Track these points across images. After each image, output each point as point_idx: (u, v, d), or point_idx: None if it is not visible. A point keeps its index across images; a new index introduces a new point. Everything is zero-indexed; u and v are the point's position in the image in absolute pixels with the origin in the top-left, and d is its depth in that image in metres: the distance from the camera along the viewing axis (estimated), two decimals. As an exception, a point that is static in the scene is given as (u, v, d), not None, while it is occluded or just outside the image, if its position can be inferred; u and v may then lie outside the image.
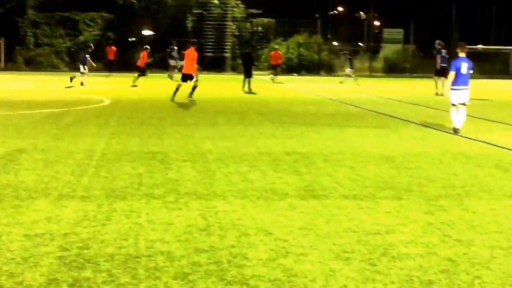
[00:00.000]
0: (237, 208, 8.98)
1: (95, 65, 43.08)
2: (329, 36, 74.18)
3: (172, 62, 47.65)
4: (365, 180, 11.14)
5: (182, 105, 25.54)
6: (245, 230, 7.87)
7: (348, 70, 47.07)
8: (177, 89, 27.82)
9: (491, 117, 22.68)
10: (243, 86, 35.63)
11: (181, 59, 44.29)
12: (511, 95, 35.44)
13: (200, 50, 38.22)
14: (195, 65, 28.53)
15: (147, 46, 43.57)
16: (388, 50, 68.29)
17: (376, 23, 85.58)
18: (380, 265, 6.68)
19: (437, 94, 35.51)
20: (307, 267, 6.58)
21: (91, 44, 42.66)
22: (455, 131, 18.29)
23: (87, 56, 38.61)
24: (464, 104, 18.60)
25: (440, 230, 8.04)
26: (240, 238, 7.54)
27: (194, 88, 27.79)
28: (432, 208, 9.17)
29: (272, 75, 47.91)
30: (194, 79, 28.11)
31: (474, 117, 22.52)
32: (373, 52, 70.19)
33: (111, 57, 52.95)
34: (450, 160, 13.43)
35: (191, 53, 28.50)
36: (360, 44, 76.79)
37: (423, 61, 67.62)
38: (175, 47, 48.53)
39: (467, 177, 11.57)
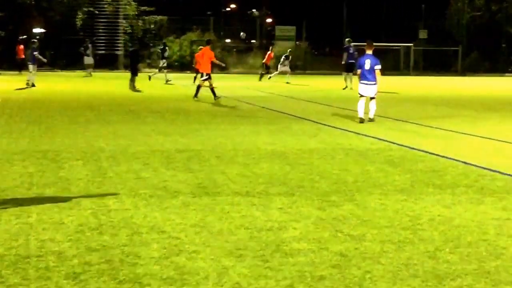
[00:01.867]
0: (130, 207, 8.86)
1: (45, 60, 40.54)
2: (221, 33, 74.23)
3: (160, 63, 46.57)
4: (258, 177, 11.16)
5: (75, 103, 25.11)
6: (137, 229, 7.76)
7: (284, 68, 47.00)
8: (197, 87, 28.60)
9: (382, 113, 23.09)
10: (131, 84, 35.30)
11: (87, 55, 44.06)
12: (404, 91, 36.18)
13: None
14: (210, 64, 28.67)
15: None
16: (280, 47, 68.79)
17: (269, 20, 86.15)
18: (272, 261, 6.68)
19: (344, 88, 37.74)
20: (200, 265, 6.52)
21: (35, 40, 40.06)
22: (360, 121, 19.81)
23: (35, 53, 36.24)
24: (373, 98, 20.28)
25: (332, 225, 8.10)
26: (133, 237, 7.43)
27: (211, 89, 28.02)
28: (324, 203, 9.25)
29: (266, 74, 48.16)
30: (204, 77, 28.41)
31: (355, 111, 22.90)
32: (266, 49, 70.57)
33: (21, 55, 51.01)
34: (342, 156, 13.59)
35: (206, 52, 28.76)
36: (253, 41, 77.14)
37: (316, 58, 68.53)
38: (89, 45, 48.09)
39: (358, 173, 11.73)
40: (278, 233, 7.71)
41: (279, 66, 47.30)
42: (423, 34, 67.83)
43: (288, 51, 49.95)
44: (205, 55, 28.87)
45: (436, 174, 11.70)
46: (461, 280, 6.23)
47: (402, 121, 20.93)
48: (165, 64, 44.01)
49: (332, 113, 22.94)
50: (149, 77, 43.09)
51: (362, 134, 17.16)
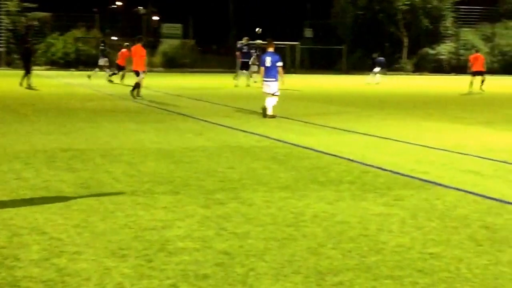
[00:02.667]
0: (9, 208, 8.63)
1: None
2: (107, 30, 73.33)
3: (102, 61, 45.26)
4: (143, 176, 11.06)
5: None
6: (17, 230, 7.57)
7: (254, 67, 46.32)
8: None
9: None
10: (22, 81, 34.50)
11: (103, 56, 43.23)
12: (290, 89, 36.56)
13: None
14: (144, 62, 28.86)
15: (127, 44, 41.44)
16: (167, 45, 68.54)
17: (155, 18, 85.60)
18: (156, 261, 6.63)
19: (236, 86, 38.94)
20: (82, 266, 6.41)
21: None
22: (266, 115, 20.84)
23: None
24: (273, 94, 21.13)
25: (217, 223, 8.10)
26: (12, 239, 7.24)
27: (136, 85, 28.24)
28: (209, 202, 9.24)
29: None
30: (141, 76, 28.49)
31: (248, 110, 23.03)
32: (152, 47, 70.17)
33: None
34: (228, 154, 13.62)
35: (138, 50, 28.79)
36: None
37: (203, 56, 68.50)
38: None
39: (244, 170, 11.77)
40: (163, 232, 7.66)
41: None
42: (308, 33, 68.75)
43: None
44: (137, 53, 28.95)
45: (320, 171, 11.87)
46: (342, 275, 6.33)
47: (288, 118, 21.14)
48: (107, 63, 43.52)
49: (219, 111, 22.97)
50: (89, 76, 42.53)
51: (248, 132, 17.24)
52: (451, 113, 24.12)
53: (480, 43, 67.37)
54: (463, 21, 70.58)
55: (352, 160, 13.05)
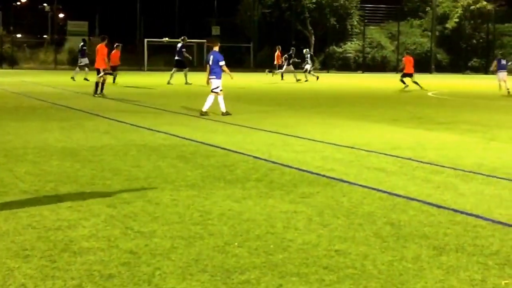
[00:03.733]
0: None
1: None
2: (12, 28, 71.81)
3: (82, 61, 44.03)
4: (48, 175, 10.86)
5: None
6: None
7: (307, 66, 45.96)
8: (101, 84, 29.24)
9: (176, 108, 23.17)
10: None
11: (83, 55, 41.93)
12: (196, 86, 36.50)
13: None
14: (105, 60, 29.82)
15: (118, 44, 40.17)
16: (73, 42, 67.52)
17: (61, 15, 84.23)
18: (60, 261, 6.50)
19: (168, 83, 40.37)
20: (-17, 269, 6.24)
21: None
22: (222, 113, 21.53)
23: None
24: (212, 91, 21.77)
25: (122, 223, 8.01)
26: None
27: (97, 84, 29.08)
28: (115, 201, 9.12)
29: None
30: (100, 74, 29.14)
31: (155, 108, 22.89)
32: (58, 44, 69.10)
33: None
34: (134, 152, 13.49)
35: (100, 49, 29.74)
36: (45, 36, 75.24)
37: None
38: None
39: (150, 169, 11.67)
40: (67, 232, 7.52)
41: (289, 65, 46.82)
42: (215, 30, 68.73)
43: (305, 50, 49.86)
44: (99, 51, 29.83)
45: (227, 169, 11.86)
46: (249, 273, 6.33)
47: (196, 116, 21.09)
48: (87, 62, 42.70)
49: (126, 109, 22.75)
50: (72, 78, 41.59)
51: (155, 130, 17.12)
52: (358, 111, 24.47)
53: (386, 41, 68.63)
54: (369, 19, 71.71)
55: (259, 158, 13.10)
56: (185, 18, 70.60)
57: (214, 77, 21.79)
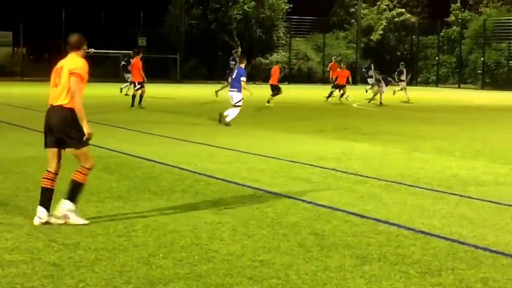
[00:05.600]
0: None
1: None
2: None
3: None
4: (-31, 187, 10.67)
5: None
6: None
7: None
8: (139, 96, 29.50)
9: (101, 119, 22.99)
10: None
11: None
12: (119, 98, 36.22)
13: None
14: (141, 73, 29.83)
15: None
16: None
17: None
18: (-19, 275, 6.41)
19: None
20: None
21: None
22: (226, 123, 22.17)
23: None
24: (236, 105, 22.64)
25: (46, 235, 7.92)
26: None
27: (133, 96, 29.62)
28: (38, 213, 9.00)
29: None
30: (137, 87, 29.58)
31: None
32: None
33: None
34: (59, 164, 13.32)
35: (136, 62, 30.23)
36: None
37: (35, 65, 66.77)
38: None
39: (75, 181, 11.54)
40: (-11, 246, 7.41)
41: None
42: (142, 41, 68.34)
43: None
44: (134, 65, 30.35)
45: (152, 180, 11.82)
46: (173, 284, 6.33)
47: (121, 128, 20.96)
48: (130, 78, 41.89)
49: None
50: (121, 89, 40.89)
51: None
52: (284, 122, 24.64)
53: (311, 53, 69.18)
54: (295, 31, 72.17)
55: (184, 169, 13.08)
56: (110, 29, 70.00)
57: (236, 90, 22.79)
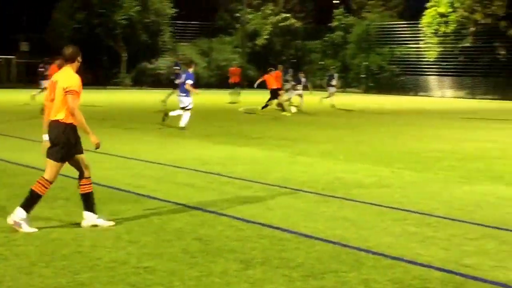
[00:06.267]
0: None
1: None
2: None
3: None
4: None
5: None
6: None
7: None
8: None
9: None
10: None
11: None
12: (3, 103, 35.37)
13: None
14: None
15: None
16: None
17: None
18: None
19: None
20: None
21: None
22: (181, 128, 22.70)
23: None
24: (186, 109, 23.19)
25: None
26: None
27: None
28: None
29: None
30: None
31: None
32: None
33: None
34: None
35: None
36: None
37: None
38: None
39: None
40: None
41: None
42: (24, 47, 66.92)
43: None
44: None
45: (34, 187, 11.54)
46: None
47: (3, 135, 20.44)
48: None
49: None
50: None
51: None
52: (171, 127, 24.50)
53: (197, 58, 69.11)
54: (180, 35, 72.01)
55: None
56: None
57: (184, 94, 23.27)
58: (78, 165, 9.16)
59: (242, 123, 27.04)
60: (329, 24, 73.03)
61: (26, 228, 8.58)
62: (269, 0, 75.32)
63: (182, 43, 71.93)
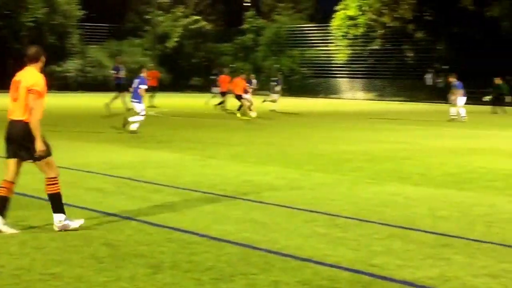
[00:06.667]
0: None
1: None
2: None
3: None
4: None
5: None
6: None
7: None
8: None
9: None
10: None
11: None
12: None
13: None
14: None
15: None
16: None
17: None
18: None
19: None
20: None
21: None
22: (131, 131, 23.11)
23: None
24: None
25: None
26: None
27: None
28: None
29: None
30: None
31: None
32: None
33: None
34: None
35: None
36: None
37: None
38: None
39: None
40: None
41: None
42: None
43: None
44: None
45: None
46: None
47: None
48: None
49: None
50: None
51: None
52: (78, 131, 24.17)
53: (107, 60, 68.32)
54: (89, 38, 71.13)
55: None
56: None
57: (137, 100, 23.37)
58: (13, 168, 8.99)
59: (152, 126, 26.75)
60: (240, 27, 73.27)
61: (73, 223, 8.87)
62: (180, 2, 75.06)
63: (91, 46, 71.01)
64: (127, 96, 27.88)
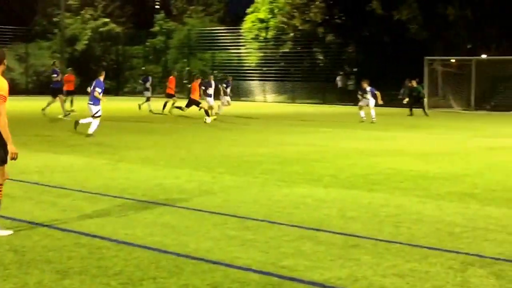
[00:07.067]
0: None
1: None
2: None
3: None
4: None
5: None
6: None
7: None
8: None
9: None
10: None
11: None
12: None
13: None
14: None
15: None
16: None
17: None
18: None
19: None
20: None
21: None
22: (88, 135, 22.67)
23: None
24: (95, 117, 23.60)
25: None
26: None
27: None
28: None
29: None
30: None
31: None
32: None
33: None
34: None
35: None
36: None
37: None
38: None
39: None
40: None
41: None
42: None
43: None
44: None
45: None
46: None
47: None
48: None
49: None
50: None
51: None
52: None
53: (14, 64, 67.02)
54: (-5, 40, 69.77)
55: None
56: None
57: (93, 103, 23.56)
58: None
59: (61, 130, 26.36)
60: (150, 29, 72.80)
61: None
62: (88, 5, 74.17)
63: (-3, 48, 69.47)
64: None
